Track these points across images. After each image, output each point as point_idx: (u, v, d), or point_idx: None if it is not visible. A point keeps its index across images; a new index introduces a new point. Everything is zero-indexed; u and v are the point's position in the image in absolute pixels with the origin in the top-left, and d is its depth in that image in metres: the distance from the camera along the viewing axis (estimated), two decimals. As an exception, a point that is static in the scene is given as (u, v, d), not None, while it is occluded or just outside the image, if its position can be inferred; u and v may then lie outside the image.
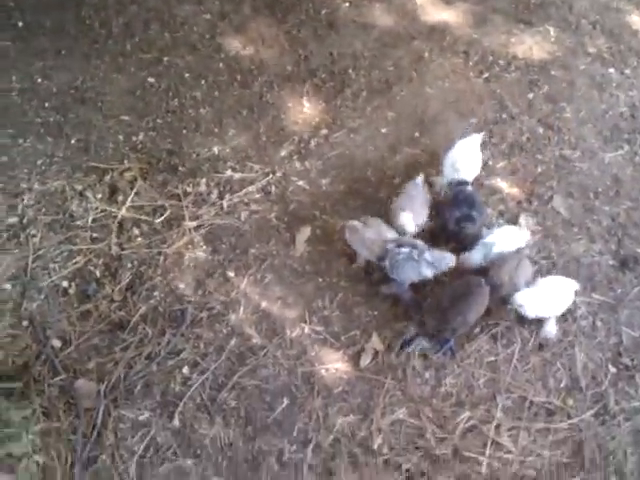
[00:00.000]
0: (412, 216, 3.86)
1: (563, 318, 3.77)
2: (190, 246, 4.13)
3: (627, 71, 5.11)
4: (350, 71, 5.15)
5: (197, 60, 5.27)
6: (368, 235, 3.76)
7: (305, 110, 4.91)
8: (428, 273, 3.69)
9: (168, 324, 3.77)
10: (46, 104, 4.99)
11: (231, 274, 3.99)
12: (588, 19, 5.45)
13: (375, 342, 3.63)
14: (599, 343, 3.71)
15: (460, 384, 3.54)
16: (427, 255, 3.70)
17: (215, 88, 5.07)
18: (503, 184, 4.40)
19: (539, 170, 4.48)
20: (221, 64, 5.24)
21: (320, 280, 3.95)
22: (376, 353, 3.65)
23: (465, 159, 4.12)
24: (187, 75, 5.17)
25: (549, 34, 5.39)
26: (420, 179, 4.07)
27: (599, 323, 3.78)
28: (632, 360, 3.64)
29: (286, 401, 3.48)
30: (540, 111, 4.85)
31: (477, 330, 3.71)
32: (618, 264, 4.03)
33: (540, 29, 5.41)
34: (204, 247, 4.12)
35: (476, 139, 4.27)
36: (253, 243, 4.13)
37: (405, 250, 3.70)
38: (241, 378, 3.57)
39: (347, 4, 5.61)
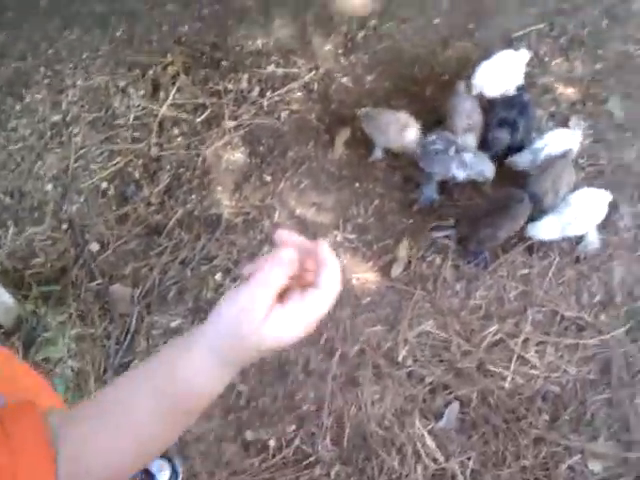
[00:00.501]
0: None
1: (605, 230, 3.62)
2: (229, 147, 4.11)
3: None
4: (405, -45, 4.81)
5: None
6: (385, 120, 3.64)
7: (354, -1, 4.67)
8: (459, 174, 3.55)
9: (203, 229, 3.82)
10: (92, -7, 4.91)
11: (268, 178, 3.97)
12: None
13: (403, 250, 3.59)
14: (639, 257, 3.56)
15: (491, 297, 3.50)
16: (465, 156, 3.55)
17: (262, -25, 4.85)
18: (558, 83, 4.13)
19: (597, 67, 4.17)
20: (270, -51, 4.97)
21: (357, 185, 3.89)
22: (408, 263, 3.62)
23: (499, 76, 3.82)
24: (236, -39, 4.94)
25: None
26: (462, 86, 3.84)
27: (642, 233, 3.61)
28: (671, 277, 3.50)
29: (315, 305, 3.54)
30: (607, 1, 4.44)
31: (514, 241, 3.61)
32: (674, 177, 3.80)
33: None
34: (242, 149, 4.10)
35: (522, 56, 3.91)
36: (292, 145, 4.08)
37: (441, 142, 3.58)
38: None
39: None
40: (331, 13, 4.60)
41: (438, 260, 3.62)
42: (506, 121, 3.70)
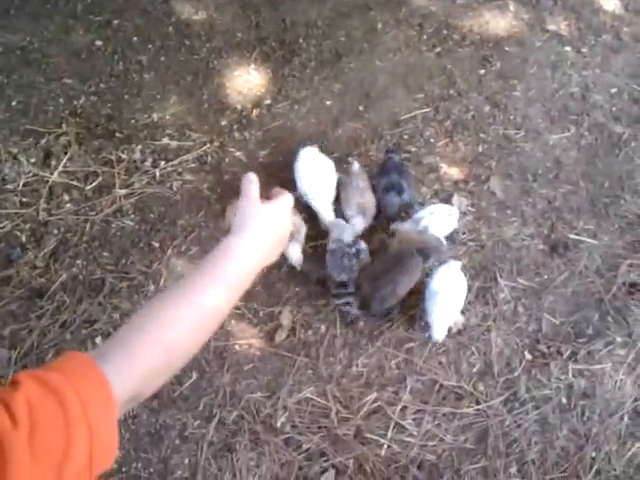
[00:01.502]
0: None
1: (484, 301, 3.75)
2: (118, 214, 4.09)
3: (584, 49, 5.02)
4: (301, 40, 5.06)
5: (147, 24, 5.18)
6: None
7: (251, 79, 4.83)
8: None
9: (87, 293, 3.74)
10: (-10, 64, 4.91)
11: (156, 244, 3.95)
12: (550, -6, 5.33)
13: (287, 317, 3.61)
14: (518, 329, 3.69)
15: (372, 364, 3.53)
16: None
17: (162, 53, 4.98)
18: (442, 163, 4.34)
19: (480, 149, 4.42)
20: (171, 28, 5.14)
21: (245, 254, 3.91)
22: (293, 330, 3.63)
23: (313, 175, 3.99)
24: (135, 39, 5.08)
25: (508, 8, 5.28)
26: (356, 166, 3.99)
27: (521, 308, 3.76)
28: (549, 347, 3.62)
29: (195, 375, 3.48)
30: (489, 88, 4.76)
31: (396, 310, 3.68)
32: (548, 249, 4.00)
33: (499, 3, 5.30)
34: (132, 216, 4.08)
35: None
36: (182, 214, 4.10)
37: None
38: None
39: (306, -30, 5.46)
40: (226, 92, 4.74)
41: (323, 328, 3.65)
42: (391, 185, 3.87)
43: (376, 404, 3.39)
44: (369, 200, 3.91)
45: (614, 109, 4.67)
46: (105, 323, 3.64)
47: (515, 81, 4.81)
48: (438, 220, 3.81)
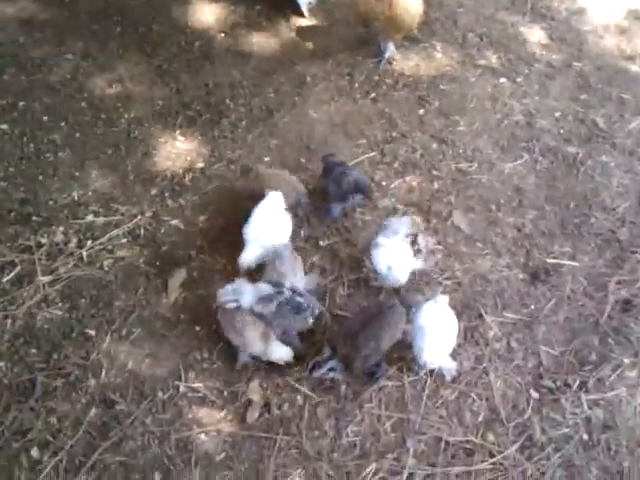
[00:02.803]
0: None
1: (474, 342, 3.34)
2: (43, 304, 3.54)
3: (519, 79, 4.88)
4: (227, 101, 4.74)
5: (57, 102, 4.75)
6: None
7: (178, 144, 4.44)
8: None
9: (15, 398, 3.14)
10: None
11: (91, 332, 3.41)
12: (475, 32, 5.24)
13: (256, 392, 3.10)
14: (517, 367, 3.29)
15: (364, 431, 3.04)
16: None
17: (76, 129, 4.55)
18: (399, 204, 4.01)
19: (436, 186, 4.13)
20: (83, 103, 4.73)
21: (198, 329, 3.43)
22: (266, 406, 3.10)
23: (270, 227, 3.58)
24: (45, 118, 4.64)
25: (436, 49, 5.14)
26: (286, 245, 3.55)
27: (514, 344, 3.37)
28: (554, 382, 3.23)
29: (158, 477, 2.89)
30: (432, 127, 4.53)
31: (381, 367, 3.22)
32: (529, 277, 3.67)
33: (426, 45, 5.14)
34: (60, 304, 3.54)
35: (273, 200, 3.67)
36: (118, 294, 3.58)
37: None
38: (103, 454, 2.97)
39: (222, 34, 5.22)
40: (153, 160, 4.34)
41: (300, 398, 3.14)
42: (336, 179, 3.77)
43: (378, 476, 2.88)
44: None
45: (562, 131, 4.50)
46: (41, 431, 3.04)
47: (457, 117, 4.60)
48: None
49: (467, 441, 3.01)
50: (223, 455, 2.95)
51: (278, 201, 3.60)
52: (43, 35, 5.15)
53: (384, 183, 4.14)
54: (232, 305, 3.05)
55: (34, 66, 5.02)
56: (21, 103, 4.75)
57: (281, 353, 3.10)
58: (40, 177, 4.23)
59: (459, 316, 3.39)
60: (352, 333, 3.08)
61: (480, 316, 3.46)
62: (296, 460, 2.93)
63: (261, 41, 5.16)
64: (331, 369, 3.08)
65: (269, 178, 3.82)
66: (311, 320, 3.19)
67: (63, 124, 4.59)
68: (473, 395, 3.16)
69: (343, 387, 3.17)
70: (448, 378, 3.17)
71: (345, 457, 2.94)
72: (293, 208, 3.75)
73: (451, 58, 5.07)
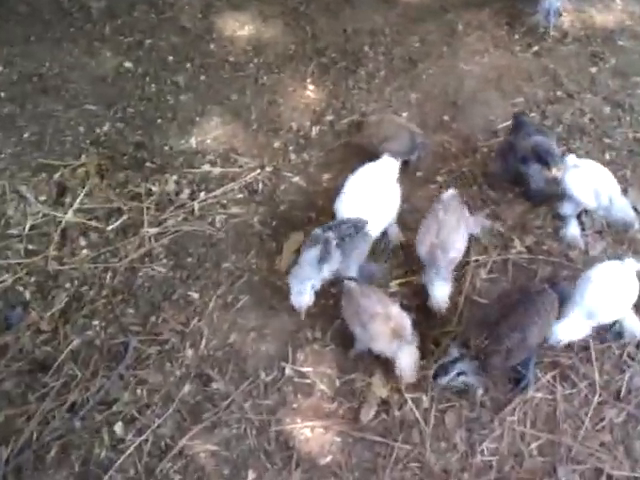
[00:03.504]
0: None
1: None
2: (147, 259, 3.20)
3: None
4: (366, 48, 4.26)
5: (184, 42, 4.44)
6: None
7: (308, 94, 4.00)
8: None
9: (104, 364, 2.81)
10: (2, 94, 4.15)
11: (195, 295, 3.03)
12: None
13: (377, 387, 2.60)
14: None
15: (503, 450, 2.48)
16: None
17: (201, 72, 4.22)
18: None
19: (607, 157, 3.47)
20: (212, 45, 4.40)
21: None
22: (384, 404, 2.61)
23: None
24: (170, 58, 4.34)
25: (614, 1, 4.36)
26: (451, 193, 2.99)
27: None
28: None
29: (251, 476, 2.47)
30: (606, 87, 3.88)
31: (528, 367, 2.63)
32: None
33: (603, -3, 4.37)
34: (164, 261, 3.19)
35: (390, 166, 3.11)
36: (227, 255, 3.20)
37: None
38: (192, 440, 2.59)
39: (366, -25, 4.66)
40: (279, 109, 3.91)
41: (425, 399, 2.61)
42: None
43: (518, 511, 2.32)
44: (448, 241, 2.86)
45: None
46: (127, 404, 2.69)
47: (637, 78, 3.89)
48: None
49: (635, 478, 2.38)
50: (329, 459, 2.49)
51: (389, 167, 3.04)
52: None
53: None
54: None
55: (165, 4, 4.75)
56: (147, 41, 4.46)
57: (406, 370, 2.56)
58: (158, 120, 3.92)
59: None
60: (491, 321, 2.48)
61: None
62: (416, 476, 2.42)
63: (410, -16, 4.58)
64: (460, 373, 2.49)
65: (376, 126, 3.36)
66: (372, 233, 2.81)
67: (188, 65, 4.26)
68: (646, 419, 2.51)
69: (480, 392, 2.60)
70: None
71: (478, 480, 2.39)
72: (407, 153, 3.29)
73: (631, 13, 4.29)
